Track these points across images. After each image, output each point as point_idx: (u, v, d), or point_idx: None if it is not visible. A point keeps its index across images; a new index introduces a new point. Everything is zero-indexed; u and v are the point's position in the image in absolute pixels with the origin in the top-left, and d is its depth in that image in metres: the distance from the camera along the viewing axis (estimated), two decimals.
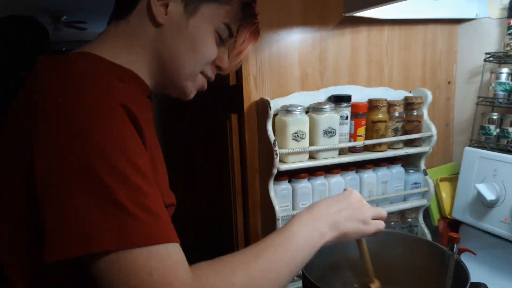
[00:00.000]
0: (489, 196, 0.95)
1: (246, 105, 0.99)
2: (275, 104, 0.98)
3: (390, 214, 1.09)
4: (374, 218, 0.69)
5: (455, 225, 1.09)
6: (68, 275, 0.51)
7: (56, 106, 0.48)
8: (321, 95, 1.06)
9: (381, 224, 0.69)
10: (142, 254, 0.45)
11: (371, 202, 1.06)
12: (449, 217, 1.11)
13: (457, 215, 1.07)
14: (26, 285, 0.52)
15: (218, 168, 1.16)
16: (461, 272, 0.70)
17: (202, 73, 0.69)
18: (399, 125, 1.07)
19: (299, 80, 1.05)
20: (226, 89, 1.02)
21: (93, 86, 0.51)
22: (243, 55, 0.73)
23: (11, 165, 0.52)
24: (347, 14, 0.94)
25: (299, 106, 0.97)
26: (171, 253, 0.47)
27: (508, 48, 1.02)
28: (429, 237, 1.11)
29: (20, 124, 0.52)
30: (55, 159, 0.46)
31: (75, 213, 0.45)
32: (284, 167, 0.95)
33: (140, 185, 0.48)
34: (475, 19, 1.15)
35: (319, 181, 1.01)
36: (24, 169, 0.49)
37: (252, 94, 1.00)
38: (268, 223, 1.01)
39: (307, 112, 1.00)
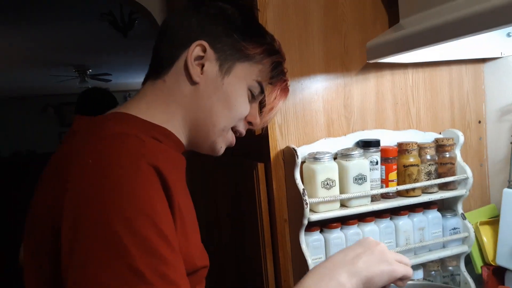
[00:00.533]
0: None
1: (272, 153, 0.98)
2: (302, 151, 0.96)
3: (429, 263, 1.03)
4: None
5: (500, 272, 1.02)
6: None
7: (86, 168, 0.48)
8: (348, 141, 1.04)
9: (408, 268, 0.63)
10: None
11: (408, 250, 1.01)
12: (492, 263, 1.04)
13: (501, 261, 1.00)
14: None
15: (246, 220, 1.13)
16: None
17: (233, 128, 0.71)
18: (432, 168, 1.03)
19: (325, 127, 1.04)
20: (252, 139, 1.01)
21: (123, 147, 0.51)
22: (274, 111, 0.74)
23: (43, 224, 0.51)
24: (371, 61, 0.94)
25: (327, 153, 0.95)
26: None
27: None
28: (472, 286, 1.04)
29: (52, 184, 0.52)
30: (80, 220, 0.46)
31: (95, 279, 0.44)
32: (315, 217, 0.92)
33: (162, 252, 0.46)
34: (501, 57, 1.13)
35: (353, 230, 0.97)
36: (54, 229, 0.48)
37: (278, 142, 0.99)
38: (300, 275, 0.96)
39: (335, 159, 0.98)
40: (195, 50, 0.64)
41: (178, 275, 0.47)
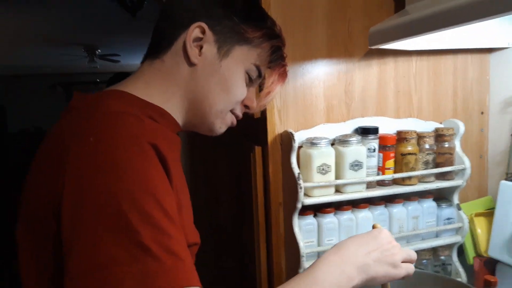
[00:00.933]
0: None
1: (270, 137, 0.98)
2: (300, 136, 0.97)
3: (421, 251, 1.04)
4: (404, 261, 0.65)
5: (491, 263, 1.03)
6: None
7: (87, 145, 0.49)
8: (347, 127, 1.04)
9: (411, 268, 0.65)
10: None
11: (401, 238, 1.01)
12: (485, 255, 1.04)
13: (493, 253, 1.00)
14: None
15: (241, 201, 1.14)
16: None
17: (231, 111, 0.71)
18: (430, 157, 1.03)
19: (324, 112, 1.04)
20: (251, 122, 1.02)
21: (124, 126, 0.52)
22: (271, 96, 0.74)
23: (40, 202, 0.52)
24: (373, 47, 0.93)
25: (324, 138, 0.95)
26: None
27: None
28: (463, 276, 1.04)
29: (50, 161, 0.53)
30: (83, 199, 0.46)
31: (100, 255, 0.44)
32: (309, 201, 0.93)
33: (166, 228, 0.47)
34: (508, 48, 1.12)
35: (346, 215, 0.97)
36: (52, 208, 0.49)
37: (276, 126, 0.99)
38: (292, 259, 0.98)
39: (332, 145, 0.98)
40: (194, 31, 0.64)
41: (181, 248, 0.48)
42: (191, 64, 0.65)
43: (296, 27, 1.00)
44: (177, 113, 0.67)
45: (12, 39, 5.68)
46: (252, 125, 1.03)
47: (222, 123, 0.71)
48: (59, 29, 5.15)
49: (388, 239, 0.65)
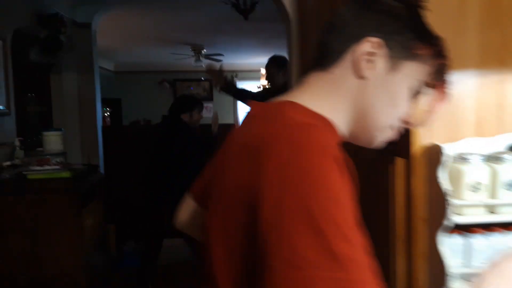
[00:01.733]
0: None
1: (414, 149, 0.95)
2: (448, 150, 0.92)
3: None
4: None
5: None
6: None
7: (282, 155, 0.53)
8: (497, 143, 0.97)
9: None
10: None
11: None
12: None
13: None
14: None
15: (372, 213, 1.12)
16: None
17: (390, 126, 0.71)
18: None
19: (473, 125, 0.98)
20: None
21: (313, 138, 0.55)
22: (432, 114, 0.73)
23: (232, 196, 0.58)
24: None
25: (477, 153, 0.90)
26: None
27: None
28: None
29: (242, 163, 0.58)
30: (281, 206, 0.50)
31: (298, 257, 0.48)
32: (458, 219, 0.88)
33: (351, 238, 0.49)
34: None
35: (498, 238, 0.91)
36: (247, 201, 0.55)
37: (420, 138, 0.96)
38: (435, 276, 0.94)
39: (487, 161, 0.92)
40: (366, 45, 0.65)
41: (365, 256, 0.50)
42: (360, 77, 0.66)
43: (445, 35, 0.95)
44: (342, 124, 0.69)
45: (130, 40, 6.27)
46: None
47: (382, 137, 0.71)
48: (173, 30, 5.56)
49: None
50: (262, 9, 3.58)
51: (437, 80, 0.71)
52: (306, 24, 1.92)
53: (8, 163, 2.31)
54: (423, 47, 0.67)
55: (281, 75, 2.92)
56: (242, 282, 0.57)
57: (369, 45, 0.65)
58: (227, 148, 0.65)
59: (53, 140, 2.35)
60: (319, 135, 0.56)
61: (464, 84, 0.97)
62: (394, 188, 0.99)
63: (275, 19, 4.45)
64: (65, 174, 2.24)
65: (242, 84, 9.04)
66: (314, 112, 0.65)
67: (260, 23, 4.22)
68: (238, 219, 0.56)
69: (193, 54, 6.78)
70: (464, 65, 0.97)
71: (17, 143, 2.46)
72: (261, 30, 5.33)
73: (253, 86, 8.87)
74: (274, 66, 2.99)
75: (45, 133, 2.36)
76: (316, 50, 0.73)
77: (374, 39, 0.65)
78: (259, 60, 8.44)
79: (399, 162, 0.98)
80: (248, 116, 0.67)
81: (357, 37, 0.66)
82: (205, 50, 6.81)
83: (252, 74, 9.01)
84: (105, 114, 6.65)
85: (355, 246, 0.49)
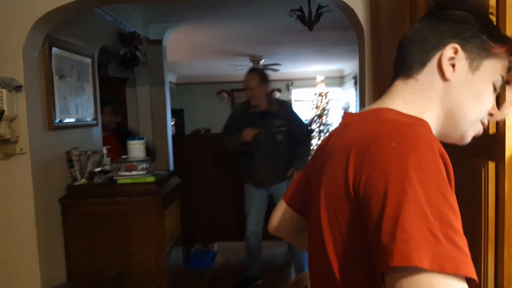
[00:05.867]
0: None
1: (508, 153, 0.99)
2: None
3: None
4: None
5: None
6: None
7: (390, 149, 0.61)
8: None
9: None
10: (448, 281, 0.53)
11: None
12: None
13: None
14: None
15: (464, 216, 1.16)
16: None
17: (479, 120, 0.79)
18: None
19: None
20: (483, 136, 1.04)
21: (419, 134, 0.63)
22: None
23: (338, 187, 0.68)
24: None
25: None
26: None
27: None
28: None
29: (342, 161, 0.68)
30: (392, 190, 0.58)
31: (405, 234, 0.56)
32: None
33: (452, 223, 0.57)
34: None
35: None
36: (354, 193, 0.64)
37: None
38: None
39: None
40: (448, 52, 0.74)
41: (465, 243, 0.57)
42: (445, 80, 0.75)
43: None
44: (433, 124, 0.76)
45: (191, 53, 6.58)
46: (485, 141, 1.05)
47: (473, 131, 0.80)
48: (233, 43, 5.77)
49: None
50: (323, 18, 3.66)
51: None
52: (379, 35, 1.98)
53: (99, 169, 2.55)
54: (497, 46, 0.75)
55: (263, 88, 3.02)
56: (352, 258, 0.67)
57: (449, 51, 0.74)
58: (324, 156, 0.76)
59: (136, 148, 2.56)
60: (424, 131, 0.64)
61: None
62: (486, 190, 1.03)
63: (334, 28, 4.51)
64: (150, 179, 2.44)
65: (296, 92, 9.18)
66: (409, 115, 0.74)
67: (320, 32, 4.30)
68: (346, 205, 0.65)
69: (252, 65, 6.98)
70: None
71: (104, 151, 2.71)
72: (318, 39, 5.40)
73: (308, 92, 8.95)
74: (258, 79, 3.01)
75: (130, 141, 2.58)
76: (397, 62, 0.81)
77: (453, 45, 0.74)
78: (314, 68, 8.52)
79: (491, 165, 1.02)
80: (341, 124, 0.78)
81: (438, 46, 0.75)
82: (263, 61, 6.99)
83: (307, 82, 9.09)
84: (171, 123, 7.01)
85: (455, 230, 0.56)
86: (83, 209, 2.41)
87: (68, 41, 2.60)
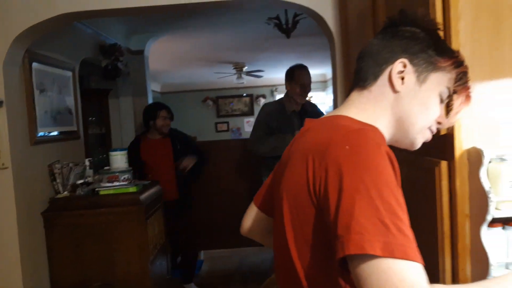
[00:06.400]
0: None
1: (457, 153, 1.06)
2: (488, 152, 1.02)
3: None
4: None
5: None
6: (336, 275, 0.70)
7: (345, 151, 0.68)
8: None
9: None
10: (399, 265, 0.60)
11: None
12: None
13: None
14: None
15: (419, 212, 1.23)
16: None
17: (427, 128, 0.85)
18: None
19: (511, 128, 1.07)
20: (435, 138, 1.11)
21: (368, 138, 0.70)
22: (459, 115, 0.87)
23: (300, 185, 0.74)
24: None
25: None
26: (418, 269, 0.61)
27: None
28: None
29: (304, 163, 0.74)
30: (344, 188, 0.65)
31: (359, 226, 0.62)
32: (498, 214, 0.98)
33: (398, 214, 0.63)
34: None
35: None
36: (314, 194, 0.71)
37: (463, 143, 1.07)
38: (478, 268, 1.04)
39: None
40: (397, 66, 0.81)
41: (409, 231, 0.63)
42: (395, 91, 0.82)
43: (484, 48, 1.07)
44: (384, 131, 0.83)
45: (175, 62, 6.62)
46: (435, 143, 1.12)
47: (422, 138, 0.86)
48: (215, 51, 5.83)
49: None
50: (301, 24, 3.75)
51: (460, 86, 0.85)
52: (348, 41, 2.06)
53: (81, 181, 2.58)
54: (443, 60, 0.82)
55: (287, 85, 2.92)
56: (312, 252, 0.73)
57: (399, 66, 0.81)
58: (287, 158, 0.82)
59: (118, 159, 2.60)
60: (373, 135, 0.71)
61: (502, 92, 1.07)
62: (439, 187, 1.10)
63: (314, 34, 4.61)
64: (132, 189, 2.48)
65: (280, 97, 9.30)
66: (363, 122, 0.80)
67: (300, 38, 4.39)
68: (307, 204, 0.72)
69: (235, 72, 7.05)
70: (502, 75, 1.07)
71: (87, 163, 2.74)
72: (300, 45, 5.49)
73: None
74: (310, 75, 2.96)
75: (112, 153, 2.61)
76: (355, 74, 0.88)
77: (402, 60, 0.81)
78: None
79: (443, 164, 1.09)
80: (303, 130, 0.85)
81: (389, 60, 0.82)
82: (246, 68, 7.07)
83: None
84: None
85: (402, 220, 0.63)
86: (66, 221, 2.43)
87: (48, 56, 2.63)
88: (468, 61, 0.89)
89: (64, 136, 2.80)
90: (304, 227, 0.74)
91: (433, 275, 1.16)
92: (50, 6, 2.12)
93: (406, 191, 1.36)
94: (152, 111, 3.19)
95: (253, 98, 9.31)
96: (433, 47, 0.82)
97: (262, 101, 9.21)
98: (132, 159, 2.81)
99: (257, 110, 9.22)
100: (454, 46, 1.03)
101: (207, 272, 3.92)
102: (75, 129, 2.95)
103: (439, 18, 1.06)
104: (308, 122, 0.87)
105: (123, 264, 2.42)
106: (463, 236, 1.07)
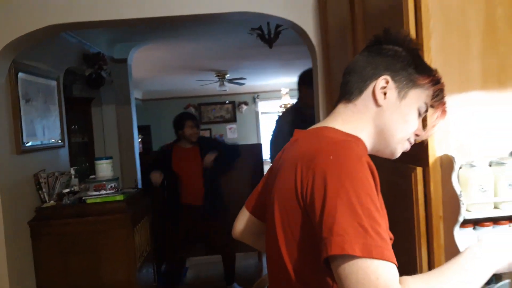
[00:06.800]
0: None
1: (431, 160, 1.15)
2: (458, 158, 1.12)
3: None
4: None
5: None
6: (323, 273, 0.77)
7: (329, 161, 0.76)
8: (502, 151, 1.16)
9: None
10: (375, 264, 0.67)
11: None
12: None
13: None
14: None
15: (397, 215, 1.32)
16: None
17: (406, 140, 0.94)
18: None
19: (481, 138, 1.17)
20: (412, 146, 1.20)
21: (351, 149, 0.78)
22: (435, 128, 0.96)
23: (289, 191, 0.81)
24: None
25: (482, 160, 1.09)
26: (392, 269, 0.69)
27: None
28: None
29: (295, 173, 0.81)
30: (327, 195, 0.72)
31: (341, 229, 0.69)
32: (469, 215, 1.07)
33: (377, 219, 0.71)
34: None
35: (504, 229, 1.09)
36: (300, 194, 0.77)
37: (436, 150, 1.16)
38: None
39: (489, 166, 1.11)
40: (380, 82, 0.89)
41: (386, 234, 0.71)
42: (378, 105, 0.90)
43: (453, 63, 1.16)
44: (367, 141, 0.92)
45: (157, 70, 6.64)
46: (412, 150, 1.21)
47: (401, 149, 0.95)
48: (198, 59, 5.88)
49: None
50: (284, 34, 3.84)
51: (437, 101, 0.94)
52: (328, 53, 2.15)
53: (67, 190, 2.59)
54: (422, 78, 0.91)
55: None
56: (301, 252, 0.80)
57: (382, 82, 0.89)
58: (278, 166, 0.89)
59: (104, 167, 2.62)
60: (355, 147, 0.79)
61: (471, 105, 1.17)
62: (417, 191, 1.19)
63: (296, 43, 4.71)
64: (119, 197, 2.51)
65: (262, 104, 9.38)
66: (347, 133, 0.88)
67: (283, 47, 4.48)
68: (296, 209, 0.79)
69: (217, 79, 7.11)
70: (470, 88, 1.17)
71: (72, 172, 2.75)
72: (282, 53, 5.60)
73: (274, 105, 9.16)
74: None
75: (98, 161, 2.63)
76: (341, 87, 0.96)
77: (385, 77, 0.89)
78: (279, 81, 8.74)
79: (418, 170, 1.18)
80: (292, 140, 0.93)
81: (373, 76, 0.91)
82: (228, 75, 7.14)
83: (272, 94, 9.28)
84: (138, 140, 7.00)
85: (379, 224, 0.71)
86: (53, 230, 2.44)
87: (33, 66, 2.65)
88: None
89: (49, 145, 2.81)
90: (293, 229, 0.81)
91: (412, 271, 1.24)
92: (38, 18, 2.14)
93: (387, 196, 1.46)
94: (179, 122, 3.45)
95: (235, 105, 9.38)
96: (413, 65, 0.91)
97: (245, 108, 9.29)
98: (163, 165, 3.28)
99: (239, 116, 9.33)
100: (426, 61, 1.12)
101: (192, 279, 3.94)
102: (60, 138, 2.96)
103: (412, 35, 1.15)
104: (297, 133, 0.95)
105: (110, 272, 2.44)
106: (438, 236, 1.15)
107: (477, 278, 0.74)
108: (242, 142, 8.42)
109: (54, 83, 2.93)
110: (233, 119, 9.32)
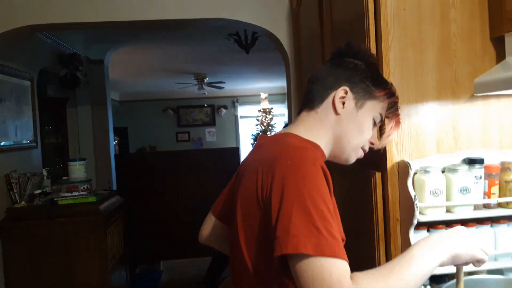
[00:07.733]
0: None
1: (389, 165, 1.22)
2: (414, 164, 1.19)
3: None
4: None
5: None
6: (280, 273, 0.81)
7: (286, 165, 0.81)
8: (455, 158, 1.23)
9: (486, 255, 0.86)
10: (328, 262, 0.72)
11: (506, 255, 1.17)
12: None
13: None
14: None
15: (359, 218, 1.38)
16: None
17: (361, 147, 1.00)
18: None
19: (435, 145, 1.25)
20: (371, 152, 1.27)
21: (307, 155, 0.83)
22: (390, 138, 1.04)
23: (251, 193, 0.86)
24: (478, 95, 1.13)
25: (436, 166, 1.16)
26: (344, 266, 0.74)
27: None
28: None
29: (257, 175, 0.85)
30: (284, 195, 0.77)
31: (295, 229, 0.74)
32: (423, 218, 1.14)
33: (329, 219, 0.76)
34: None
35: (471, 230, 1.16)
36: (260, 196, 0.82)
37: (394, 156, 1.23)
38: None
39: (443, 172, 1.19)
40: (340, 92, 0.96)
41: (338, 234, 0.76)
42: (337, 114, 0.96)
43: (410, 75, 1.24)
44: (325, 148, 0.97)
45: (135, 72, 6.61)
46: (371, 156, 1.28)
47: (355, 156, 1.02)
48: (178, 62, 5.89)
49: (466, 231, 0.87)
50: (261, 41, 3.90)
51: (391, 113, 1.01)
52: (300, 60, 2.22)
53: (39, 191, 2.57)
54: (378, 90, 0.98)
55: None
56: (259, 251, 0.85)
57: (341, 92, 0.95)
58: (242, 170, 0.94)
59: (77, 169, 2.61)
60: (312, 153, 0.84)
61: (426, 113, 1.24)
62: (376, 196, 1.26)
63: (273, 49, 4.79)
64: (92, 199, 2.50)
65: (242, 108, 9.45)
66: (307, 139, 0.94)
67: (260, 53, 4.55)
68: (256, 209, 0.84)
69: (196, 82, 7.12)
70: (426, 98, 1.25)
71: (45, 173, 2.73)
72: (261, 59, 5.66)
73: (253, 109, 9.23)
74: None
75: (71, 163, 2.62)
76: (304, 95, 1.02)
77: (344, 88, 0.95)
78: (259, 85, 8.82)
79: (378, 175, 1.25)
80: (257, 145, 0.98)
81: (333, 87, 0.97)
82: (207, 79, 7.16)
83: (251, 99, 9.34)
84: (114, 142, 6.93)
85: (331, 225, 0.76)
86: (23, 232, 2.42)
87: (6, 65, 2.62)
88: (396, 86, 1.06)
89: (22, 146, 2.78)
90: (253, 227, 0.85)
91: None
92: (11, 18, 2.13)
93: (350, 198, 1.52)
94: None
95: (214, 109, 9.40)
96: (370, 78, 0.98)
97: (224, 111, 9.31)
98: None
99: (218, 119, 9.35)
100: (385, 73, 1.19)
101: (167, 282, 3.94)
102: (33, 138, 2.93)
103: (373, 49, 1.22)
104: (262, 138, 1.00)
105: (82, 274, 2.43)
106: (395, 238, 1.22)
107: (422, 271, 0.80)
108: (221, 145, 8.44)
109: (28, 83, 2.90)
110: (212, 123, 9.33)
